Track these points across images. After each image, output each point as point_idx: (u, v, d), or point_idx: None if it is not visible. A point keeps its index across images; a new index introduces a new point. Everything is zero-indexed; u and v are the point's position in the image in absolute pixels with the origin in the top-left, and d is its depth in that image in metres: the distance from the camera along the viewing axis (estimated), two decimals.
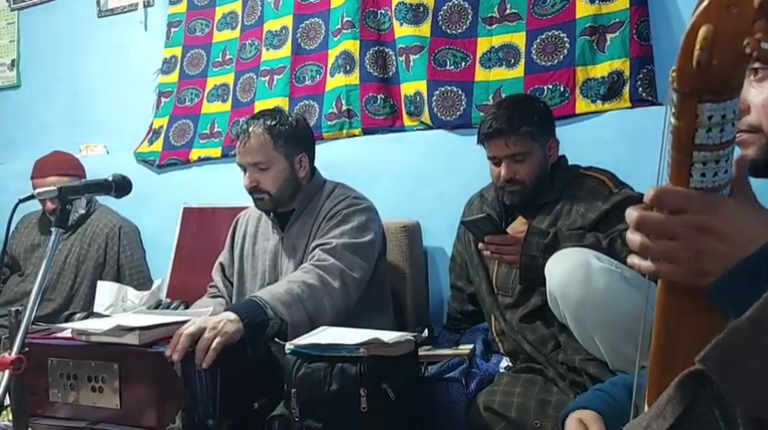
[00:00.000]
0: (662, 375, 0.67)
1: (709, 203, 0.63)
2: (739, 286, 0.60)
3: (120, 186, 1.54)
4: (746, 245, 0.61)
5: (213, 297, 2.05)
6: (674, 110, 0.63)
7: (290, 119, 1.92)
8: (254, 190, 1.89)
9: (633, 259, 0.68)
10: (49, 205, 2.60)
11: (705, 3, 0.58)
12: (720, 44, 0.58)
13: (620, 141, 2.11)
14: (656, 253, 0.65)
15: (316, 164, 2.02)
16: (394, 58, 2.50)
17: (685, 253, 0.63)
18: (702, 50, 0.57)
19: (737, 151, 0.68)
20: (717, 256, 0.62)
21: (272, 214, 1.96)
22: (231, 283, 2.04)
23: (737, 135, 0.89)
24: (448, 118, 2.38)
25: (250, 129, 1.87)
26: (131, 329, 1.41)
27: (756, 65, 0.81)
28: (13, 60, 3.49)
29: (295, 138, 1.90)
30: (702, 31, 0.57)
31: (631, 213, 0.66)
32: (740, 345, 0.57)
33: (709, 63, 0.58)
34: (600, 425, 0.92)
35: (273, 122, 1.88)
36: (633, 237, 0.67)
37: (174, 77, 3.01)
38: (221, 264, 2.08)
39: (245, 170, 1.90)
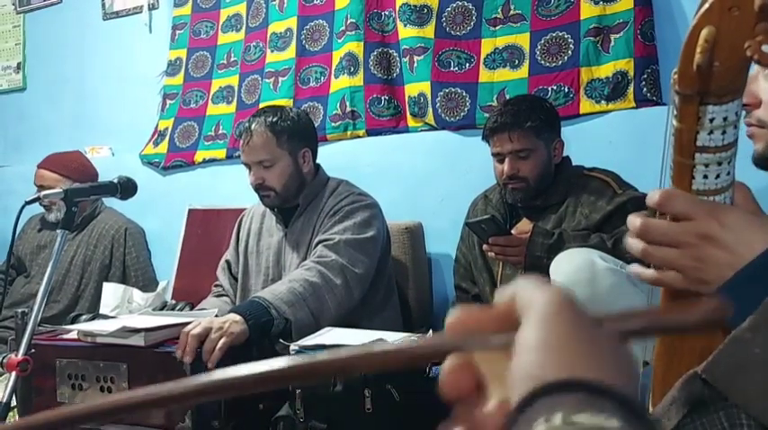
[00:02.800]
0: (666, 375, 0.67)
1: (714, 212, 0.63)
2: (739, 294, 0.60)
3: (126, 188, 1.54)
4: (747, 253, 0.61)
5: (218, 296, 2.05)
6: (675, 112, 0.63)
7: (291, 114, 1.93)
8: (259, 187, 1.90)
9: (635, 268, 0.68)
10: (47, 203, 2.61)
11: (707, 5, 0.58)
12: (722, 46, 0.58)
13: (625, 141, 2.11)
14: (659, 260, 0.65)
15: (320, 164, 2.03)
16: (398, 59, 2.50)
17: (688, 261, 0.63)
18: (703, 53, 0.57)
19: (741, 151, 0.68)
20: (718, 265, 0.62)
21: (275, 210, 1.97)
22: (237, 281, 2.05)
23: (748, 128, 0.89)
24: (452, 119, 2.38)
25: (252, 127, 1.88)
26: (137, 330, 1.42)
27: None
28: (18, 63, 3.51)
29: (297, 133, 1.91)
30: (704, 33, 0.57)
31: (634, 220, 0.66)
32: (741, 355, 0.57)
33: (711, 65, 0.58)
34: None
35: (275, 119, 1.88)
36: (635, 244, 0.66)
37: (179, 79, 3.02)
38: (228, 262, 2.09)
39: (249, 168, 1.91)
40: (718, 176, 0.63)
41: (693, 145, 0.63)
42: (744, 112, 0.88)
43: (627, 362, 0.31)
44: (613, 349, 0.31)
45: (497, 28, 2.35)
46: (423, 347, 0.33)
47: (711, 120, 0.61)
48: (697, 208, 0.63)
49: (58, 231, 1.38)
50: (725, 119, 0.61)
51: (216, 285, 2.10)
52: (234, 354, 1.41)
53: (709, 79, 0.59)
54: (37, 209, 2.72)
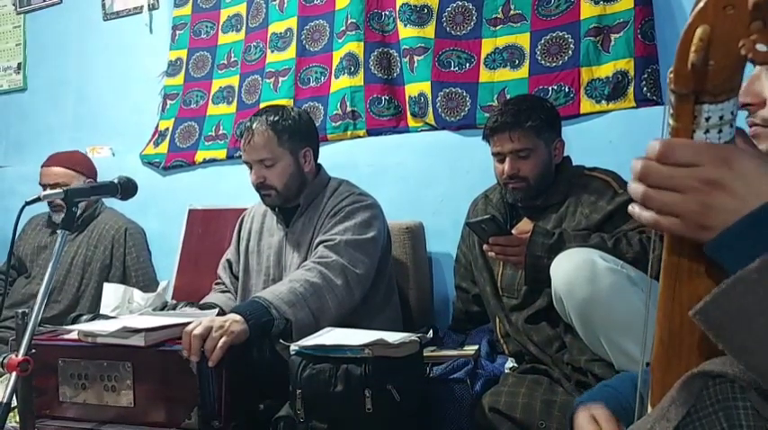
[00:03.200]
0: (665, 376, 0.67)
1: (723, 157, 0.60)
2: (743, 241, 0.58)
3: (126, 188, 1.55)
4: (756, 201, 0.58)
5: (222, 292, 2.06)
6: (671, 111, 0.63)
7: (292, 113, 1.93)
8: (260, 186, 1.90)
9: (634, 208, 0.65)
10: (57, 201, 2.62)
11: (701, 4, 0.58)
12: (717, 45, 0.58)
13: (625, 141, 2.11)
14: (660, 204, 0.62)
15: (321, 164, 2.03)
16: (398, 59, 2.50)
17: (692, 206, 0.60)
18: (698, 52, 0.57)
19: None
20: (725, 212, 0.59)
21: (276, 209, 1.97)
22: (238, 280, 2.05)
23: (752, 128, 0.88)
24: (452, 119, 2.38)
25: (254, 126, 1.88)
26: (137, 331, 1.42)
27: None
28: (19, 63, 3.51)
29: (299, 132, 1.91)
30: (699, 32, 0.58)
31: (636, 163, 0.63)
32: (744, 297, 0.55)
33: (706, 64, 0.58)
34: (609, 418, 0.91)
35: (276, 118, 1.88)
36: (636, 187, 0.64)
37: (179, 80, 3.02)
38: (228, 261, 2.09)
39: (250, 167, 1.91)
40: None
41: None
42: (746, 112, 0.87)
43: None
44: None
45: (497, 28, 2.35)
46: None
47: (707, 119, 0.61)
48: (705, 154, 0.60)
49: (59, 231, 1.39)
50: (721, 117, 0.61)
51: (217, 283, 2.10)
52: (234, 354, 1.41)
53: (704, 78, 0.59)
54: (37, 209, 2.72)
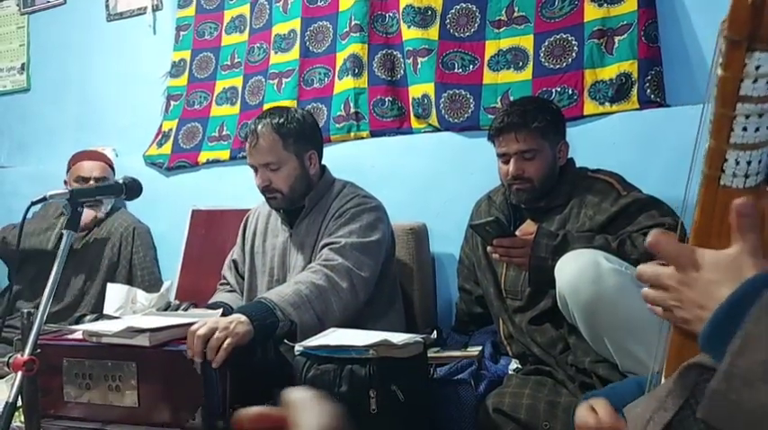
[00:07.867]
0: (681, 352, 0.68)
1: (693, 256, 0.68)
2: (717, 338, 0.62)
3: (131, 189, 1.55)
4: (716, 293, 0.64)
5: (230, 292, 2.06)
6: (721, 60, 0.61)
7: (297, 116, 1.91)
8: (266, 189, 1.89)
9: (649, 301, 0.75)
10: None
11: None
12: None
13: (629, 143, 2.11)
14: (652, 300, 0.73)
15: (326, 166, 2.03)
16: (402, 60, 2.51)
17: (672, 302, 0.70)
18: None
19: None
20: (693, 307, 0.67)
21: (281, 211, 1.97)
22: (243, 279, 2.05)
23: None
24: (456, 120, 2.39)
25: (258, 129, 1.86)
26: (142, 331, 1.42)
27: None
28: (23, 64, 3.52)
29: (304, 135, 1.90)
30: None
31: (639, 268, 0.75)
32: (724, 402, 0.58)
33: (763, 7, 0.57)
34: (608, 408, 0.92)
35: (281, 121, 1.87)
36: (645, 291, 0.75)
37: (183, 81, 3.02)
38: (234, 261, 2.09)
39: (255, 170, 1.90)
40: (757, 129, 0.61)
41: (736, 94, 0.61)
42: None
43: None
44: None
45: (501, 30, 2.35)
46: None
47: (757, 68, 0.59)
48: (680, 253, 0.68)
49: (64, 232, 1.38)
50: None
51: (222, 283, 2.10)
52: (239, 354, 1.42)
53: (760, 22, 0.58)
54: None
